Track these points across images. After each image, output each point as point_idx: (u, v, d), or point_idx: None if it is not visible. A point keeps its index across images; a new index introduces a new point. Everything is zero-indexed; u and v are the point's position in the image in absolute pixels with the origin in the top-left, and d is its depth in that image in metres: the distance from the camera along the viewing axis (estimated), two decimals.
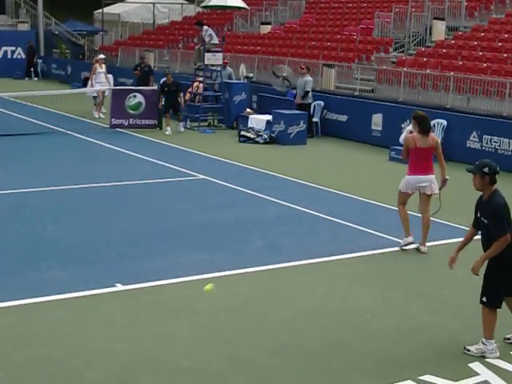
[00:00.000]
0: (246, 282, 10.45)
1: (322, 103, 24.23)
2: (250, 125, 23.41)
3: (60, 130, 23.31)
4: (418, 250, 12.18)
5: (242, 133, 22.83)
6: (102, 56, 27.80)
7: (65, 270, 10.60)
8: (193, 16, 43.87)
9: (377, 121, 22.60)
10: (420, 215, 12.40)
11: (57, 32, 47.21)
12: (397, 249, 12.16)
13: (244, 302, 9.72)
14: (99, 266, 10.90)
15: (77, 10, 55.95)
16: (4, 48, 43.46)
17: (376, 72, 25.90)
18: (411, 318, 9.27)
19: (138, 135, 23.20)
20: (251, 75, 28.01)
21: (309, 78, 24.08)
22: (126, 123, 24.16)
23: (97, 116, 26.46)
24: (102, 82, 26.49)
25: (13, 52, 43.67)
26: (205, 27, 26.45)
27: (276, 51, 31.58)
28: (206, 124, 25.52)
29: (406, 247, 12.17)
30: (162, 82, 25.02)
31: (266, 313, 9.35)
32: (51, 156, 19.26)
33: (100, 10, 47.46)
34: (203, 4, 33.02)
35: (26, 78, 41.95)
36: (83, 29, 49.64)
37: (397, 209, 12.50)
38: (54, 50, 46.47)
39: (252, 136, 22.54)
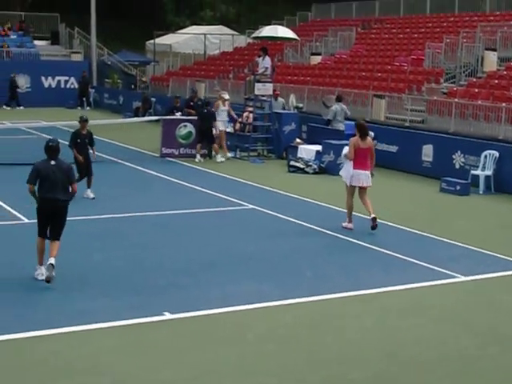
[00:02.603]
0: (293, 312, 10.39)
1: (372, 134, 24.06)
2: (299, 155, 23.40)
3: (110, 158, 23.53)
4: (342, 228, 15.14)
5: (292, 163, 22.83)
6: (226, 96, 25.79)
7: (113, 298, 10.64)
8: (243, 47, 44.22)
9: (427, 152, 22.43)
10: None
11: (109, 62, 47.89)
12: (448, 281, 12.01)
13: (291, 332, 9.65)
14: (147, 294, 10.93)
15: (129, 41, 56.71)
16: (57, 78, 44.17)
17: (427, 103, 25.78)
18: (460, 351, 9.12)
19: (188, 164, 23.33)
20: (301, 105, 28.07)
21: (334, 106, 24.62)
22: (177, 152, 24.36)
23: (219, 160, 24.14)
24: (223, 120, 25.11)
25: (66, 82, 44.37)
26: (267, 57, 26.49)
27: (326, 82, 31.61)
28: (256, 154, 25.58)
29: (347, 229, 15.16)
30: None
31: (313, 343, 9.28)
32: (101, 184, 19.36)
33: (152, 41, 48.02)
34: (254, 35, 33.20)
35: (79, 108, 42.49)
36: (135, 59, 50.26)
37: (442, 239, 12.39)
38: (106, 80, 47.09)
39: (301, 166, 22.52)
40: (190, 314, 10.08)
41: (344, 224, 15.33)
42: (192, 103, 26.72)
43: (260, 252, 13.41)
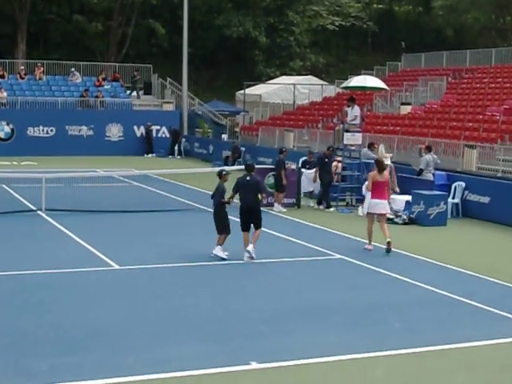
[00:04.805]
0: (381, 365, 10.19)
1: (464, 184, 23.76)
2: None
3: (199, 206, 23.68)
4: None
5: None
6: (388, 161, 22.93)
7: (198, 345, 10.62)
8: (332, 96, 44.36)
9: None
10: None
11: (200, 112, 48.56)
12: None
13: None
14: (234, 342, 10.88)
15: (220, 91, 57.52)
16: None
17: None
18: None
19: (275, 213, 23.33)
20: (390, 155, 27.85)
21: (427, 156, 24.49)
22: (265, 201, 24.32)
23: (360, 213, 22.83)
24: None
25: (158, 131, 45.08)
26: (356, 107, 26.32)
27: (416, 131, 31.42)
28: (344, 203, 25.43)
29: (367, 249, 17.54)
30: (302, 160, 24.97)
31: None
32: (190, 231, 19.58)
33: (242, 91, 48.61)
34: (343, 85, 33.17)
35: (170, 156, 43.14)
36: (225, 109, 50.86)
37: None
38: (197, 130, 47.72)
39: (391, 216, 22.22)
40: (277, 364, 9.97)
41: (366, 246, 17.78)
42: (327, 160, 25.03)
43: (347, 302, 13.25)
